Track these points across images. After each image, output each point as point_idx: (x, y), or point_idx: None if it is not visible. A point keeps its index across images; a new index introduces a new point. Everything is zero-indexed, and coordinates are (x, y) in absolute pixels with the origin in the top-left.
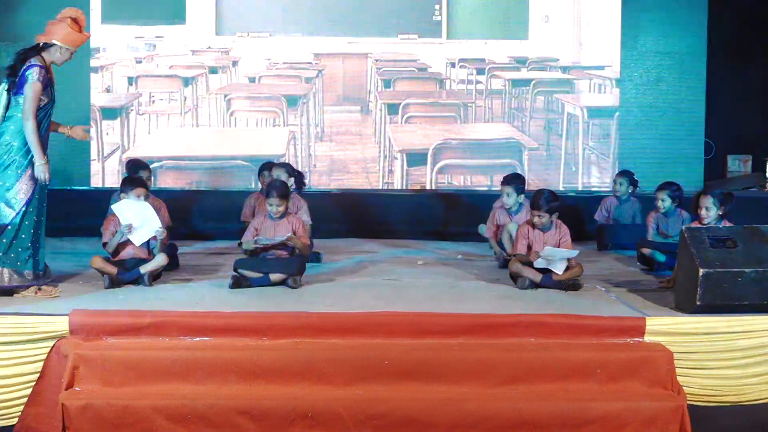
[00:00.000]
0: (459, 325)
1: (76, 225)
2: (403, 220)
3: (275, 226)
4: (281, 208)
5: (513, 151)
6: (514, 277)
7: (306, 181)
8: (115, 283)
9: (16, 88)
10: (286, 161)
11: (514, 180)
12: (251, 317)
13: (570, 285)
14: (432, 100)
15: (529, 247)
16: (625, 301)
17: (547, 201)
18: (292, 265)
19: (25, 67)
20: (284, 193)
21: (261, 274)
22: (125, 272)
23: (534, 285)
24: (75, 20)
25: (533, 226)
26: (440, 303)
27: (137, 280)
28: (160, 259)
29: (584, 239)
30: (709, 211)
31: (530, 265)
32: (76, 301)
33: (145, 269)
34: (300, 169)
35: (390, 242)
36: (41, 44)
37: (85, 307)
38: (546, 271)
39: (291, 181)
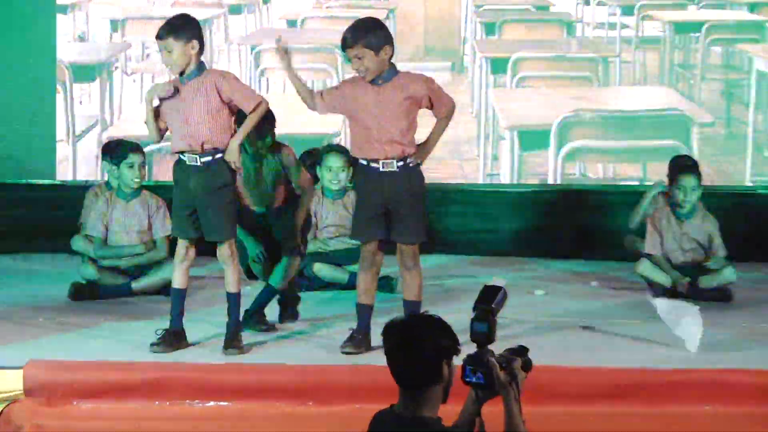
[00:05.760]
0: (597, 385)
1: (33, 236)
2: (514, 229)
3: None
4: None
5: (677, 127)
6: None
7: None
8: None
9: None
10: (340, 143)
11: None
12: (289, 372)
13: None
14: (556, 53)
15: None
16: None
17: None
18: None
19: None
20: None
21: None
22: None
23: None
24: None
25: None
26: (569, 352)
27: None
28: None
29: None
30: None
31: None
32: (34, 347)
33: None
34: None
35: (493, 261)
36: None
37: (48, 356)
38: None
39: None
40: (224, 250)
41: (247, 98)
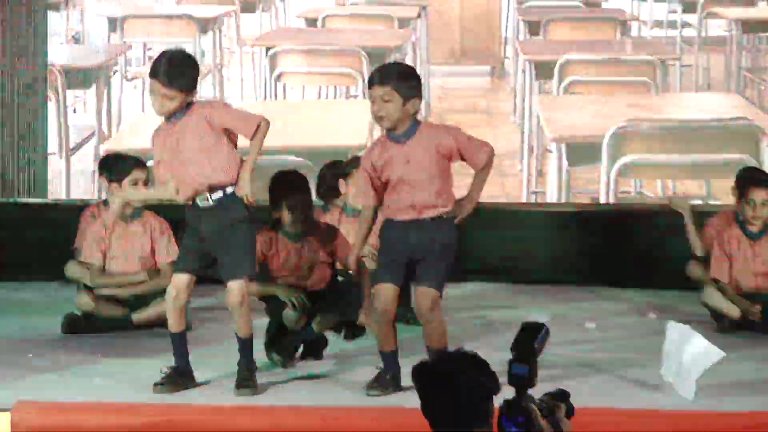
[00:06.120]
0: None
1: (21, 262)
2: (561, 254)
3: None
4: None
5: (744, 139)
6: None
7: None
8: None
9: None
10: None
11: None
12: (309, 415)
13: None
14: (609, 55)
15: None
16: None
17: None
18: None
19: None
20: None
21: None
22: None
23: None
24: None
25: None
26: (623, 394)
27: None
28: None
29: None
30: None
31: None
32: (23, 387)
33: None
34: None
35: (537, 289)
36: None
37: (39, 396)
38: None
39: None
40: (235, 295)
41: (244, 122)
